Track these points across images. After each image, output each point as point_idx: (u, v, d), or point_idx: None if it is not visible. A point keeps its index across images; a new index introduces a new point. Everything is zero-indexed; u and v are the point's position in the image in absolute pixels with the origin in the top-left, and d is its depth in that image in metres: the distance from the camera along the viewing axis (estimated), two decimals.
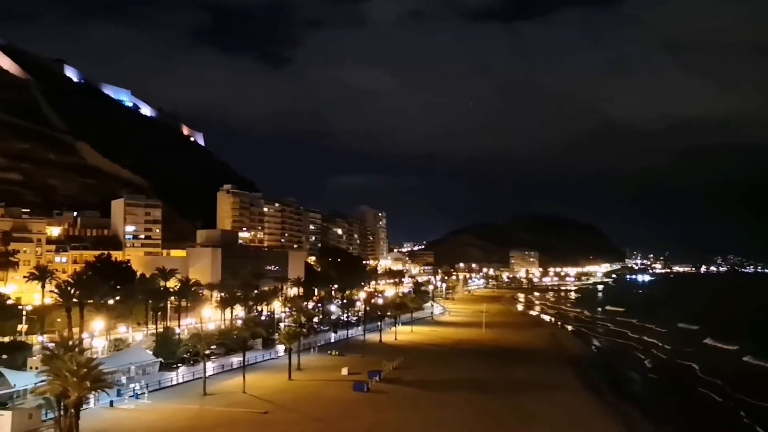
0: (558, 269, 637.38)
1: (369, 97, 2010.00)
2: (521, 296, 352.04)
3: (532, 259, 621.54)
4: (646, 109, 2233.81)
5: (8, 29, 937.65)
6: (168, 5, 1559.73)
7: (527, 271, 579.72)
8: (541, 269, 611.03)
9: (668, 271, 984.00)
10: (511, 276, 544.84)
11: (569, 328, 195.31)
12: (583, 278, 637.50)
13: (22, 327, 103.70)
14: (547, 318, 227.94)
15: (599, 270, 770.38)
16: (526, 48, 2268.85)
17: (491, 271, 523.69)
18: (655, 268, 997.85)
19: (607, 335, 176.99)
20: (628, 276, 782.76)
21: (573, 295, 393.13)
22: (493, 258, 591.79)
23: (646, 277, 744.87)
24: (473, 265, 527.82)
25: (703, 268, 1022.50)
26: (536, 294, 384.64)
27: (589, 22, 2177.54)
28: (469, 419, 70.47)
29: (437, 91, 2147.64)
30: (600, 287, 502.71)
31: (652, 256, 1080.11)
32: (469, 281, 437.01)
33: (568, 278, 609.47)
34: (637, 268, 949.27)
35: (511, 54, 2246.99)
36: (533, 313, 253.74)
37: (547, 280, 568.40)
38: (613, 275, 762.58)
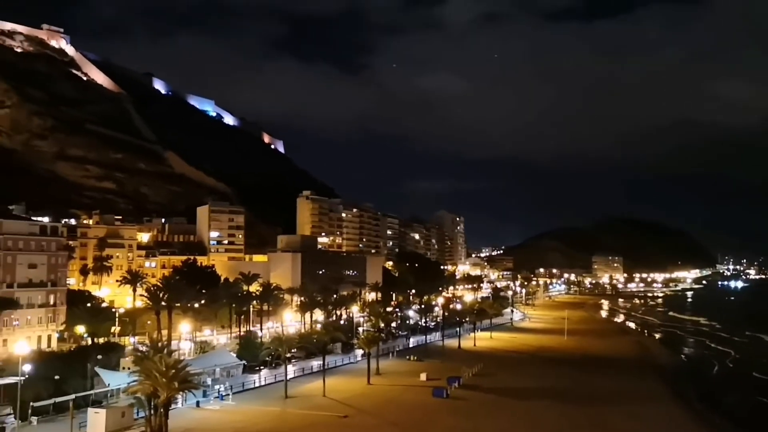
0: (644, 275, 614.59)
1: (446, 101, 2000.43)
2: (605, 303, 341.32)
3: (616, 265, 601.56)
4: (736, 106, 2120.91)
5: (101, 45, 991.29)
6: (247, 16, 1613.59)
7: (611, 276, 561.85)
8: (625, 275, 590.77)
9: (763, 276, 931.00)
10: (593, 282, 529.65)
11: (656, 336, 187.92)
12: (670, 284, 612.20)
13: (116, 329, 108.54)
14: (632, 325, 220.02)
15: (688, 276, 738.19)
16: (606, 46, 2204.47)
17: (573, 277, 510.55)
18: (748, 273, 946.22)
19: (696, 344, 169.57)
20: (719, 282, 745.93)
21: (660, 302, 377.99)
22: (575, 263, 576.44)
23: (739, 284, 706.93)
24: (554, 271, 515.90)
25: None
26: (621, 301, 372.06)
27: (673, 17, 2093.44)
28: (551, 429, 68.75)
29: (515, 92, 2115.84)
30: (689, 294, 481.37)
31: (745, 261, 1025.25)
32: (550, 287, 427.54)
33: (654, 284, 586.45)
34: (729, 273, 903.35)
35: (591, 53, 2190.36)
36: (618, 320, 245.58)
37: (632, 287, 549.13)
38: (704, 281, 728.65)
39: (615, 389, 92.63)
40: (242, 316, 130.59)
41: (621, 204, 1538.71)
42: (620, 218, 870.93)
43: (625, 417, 74.86)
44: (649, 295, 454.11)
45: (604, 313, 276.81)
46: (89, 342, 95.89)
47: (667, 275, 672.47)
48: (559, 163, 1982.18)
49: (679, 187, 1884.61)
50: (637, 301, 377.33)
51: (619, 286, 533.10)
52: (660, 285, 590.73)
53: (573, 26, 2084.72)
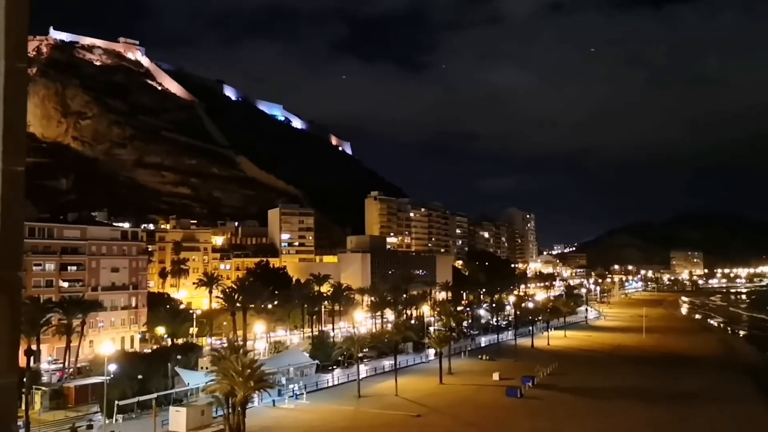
0: (726, 270, 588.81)
1: (511, 96, 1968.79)
2: (685, 299, 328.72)
3: (696, 260, 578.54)
4: None
5: (173, 55, 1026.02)
6: (309, 20, 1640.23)
7: (691, 272, 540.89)
8: (706, 270, 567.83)
9: None
10: (672, 278, 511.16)
11: (741, 333, 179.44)
12: (755, 280, 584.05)
13: (194, 330, 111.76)
14: (714, 323, 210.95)
15: None
16: (680, 34, 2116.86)
17: (650, 273, 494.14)
18: None
19: None
20: None
21: (744, 298, 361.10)
22: (652, 259, 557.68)
23: None
24: (630, 267, 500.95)
25: None
26: (702, 297, 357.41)
27: (752, 3, 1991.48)
28: (634, 431, 66.53)
29: (582, 84, 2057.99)
30: None
31: None
32: (626, 284, 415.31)
33: (738, 280, 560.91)
34: None
35: (664, 41, 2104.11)
36: (699, 317, 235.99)
37: (713, 282, 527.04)
38: None
39: (699, 389, 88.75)
40: (314, 317, 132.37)
41: (699, 197, 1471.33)
42: (698, 212, 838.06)
43: (712, 417, 71.62)
44: (732, 291, 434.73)
45: (684, 310, 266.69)
46: (169, 342, 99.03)
47: (752, 270, 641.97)
48: (629, 155, 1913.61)
49: (758, 178, 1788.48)
50: (719, 297, 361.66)
51: (700, 282, 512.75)
52: (744, 280, 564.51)
53: (644, 13, 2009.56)
